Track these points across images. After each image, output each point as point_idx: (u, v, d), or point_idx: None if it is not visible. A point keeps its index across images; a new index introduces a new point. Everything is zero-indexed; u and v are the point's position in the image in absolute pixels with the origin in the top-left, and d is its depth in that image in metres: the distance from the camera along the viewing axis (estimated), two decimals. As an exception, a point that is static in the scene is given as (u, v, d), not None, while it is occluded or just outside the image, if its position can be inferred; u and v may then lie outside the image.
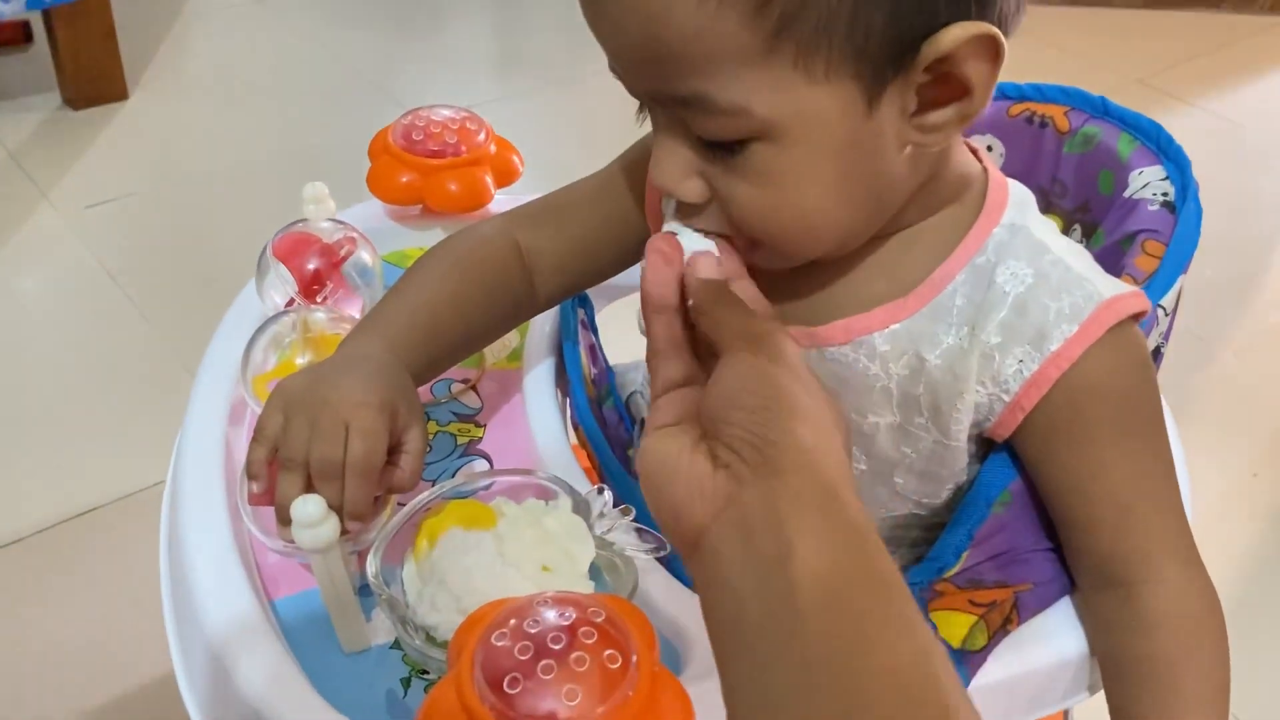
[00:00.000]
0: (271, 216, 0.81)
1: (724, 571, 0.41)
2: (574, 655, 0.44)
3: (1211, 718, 0.55)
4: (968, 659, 0.56)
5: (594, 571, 0.54)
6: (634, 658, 0.44)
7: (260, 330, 0.67)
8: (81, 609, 1.19)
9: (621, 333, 0.72)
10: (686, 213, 0.53)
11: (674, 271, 0.51)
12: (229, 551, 0.58)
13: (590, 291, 0.75)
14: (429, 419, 0.66)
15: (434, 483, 0.62)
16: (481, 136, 0.83)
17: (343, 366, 0.57)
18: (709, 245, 0.52)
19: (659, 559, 0.57)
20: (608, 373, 0.79)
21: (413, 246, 0.83)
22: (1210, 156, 2.01)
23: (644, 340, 0.52)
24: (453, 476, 0.65)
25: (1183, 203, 0.65)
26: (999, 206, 0.57)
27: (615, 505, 0.56)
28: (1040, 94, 0.73)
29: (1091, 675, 0.60)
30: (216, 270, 1.34)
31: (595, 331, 0.78)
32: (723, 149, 0.50)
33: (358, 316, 0.69)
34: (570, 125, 2.09)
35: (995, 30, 0.47)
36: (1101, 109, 0.71)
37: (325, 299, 0.71)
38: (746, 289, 0.53)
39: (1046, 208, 0.70)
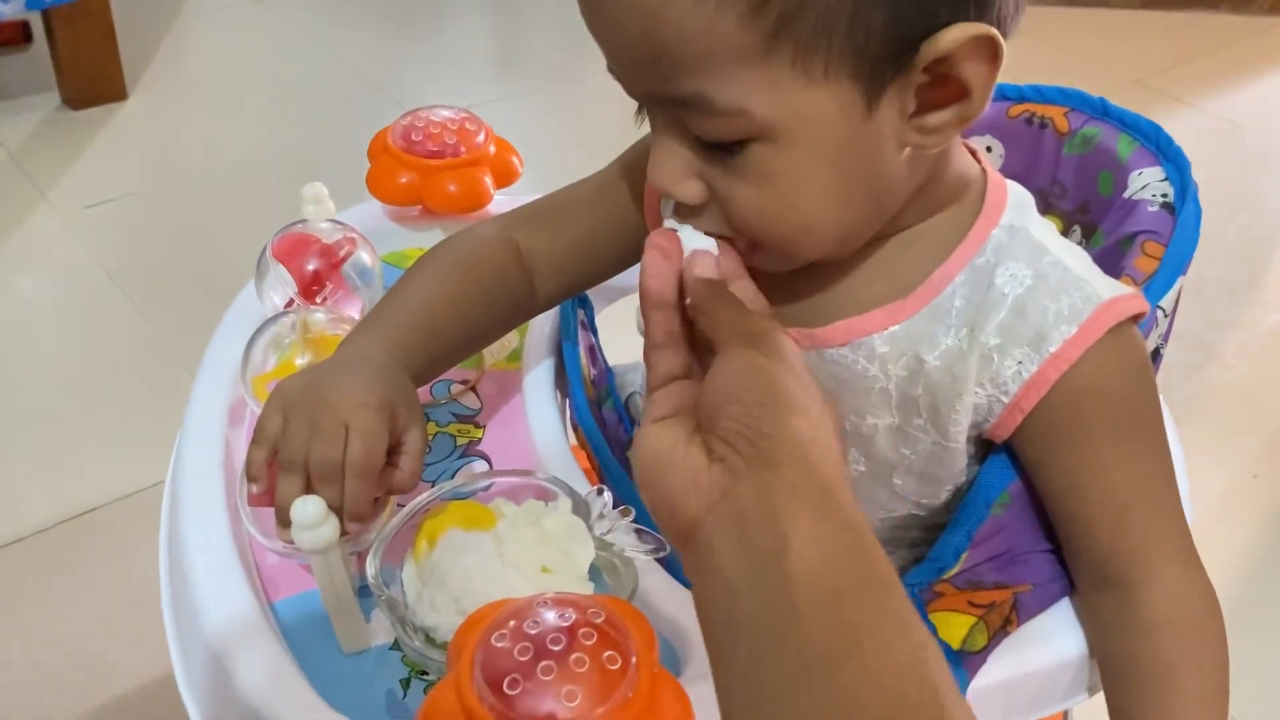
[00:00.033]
0: (271, 217, 0.81)
1: (718, 564, 0.41)
2: (574, 656, 0.44)
3: (1211, 718, 0.55)
4: (967, 660, 0.55)
5: (593, 572, 0.54)
6: (633, 659, 0.44)
7: (260, 331, 0.67)
8: (81, 609, 1.19)
9: (621, 333, 0.72)
10: (685, 214, 0.53)
11: (673, 267, 0.51)
12: (228, 552, 0.58)
13: (590, 292, 0.75)
14: (428, 420, 0.66)
15: (433, 484, 0.62)
16: (481, 137, 0.83)
17: (342, 367, 0.57)
18: (708, 241, 0.52)
19: (659, 560, 0.57)
20: (607, 373, 0.79)
21: (412, 247, 0.83)
22: (1210, 157, 2.01)
23: (643, 340, 0.52)
24: (452, 477, 0.65)
25: (1182, 204, 0.65)
26: (998, 208, 0.57)
27: (615, 506, 0.56)
28: (1040, 95, 0.73)
29: (1091, 676, 0.60)
30: (216, 270, 1.35)
31: (595, 332, 0.78)
32: (721, 150, 0.50)
33: (357, 317, 0.69)
34: (570, 126, 2.08)
35: (994, 31, 0.47)
36: (1101, 110, 0.71)
37: (325, 300, 0.71)
38: (745, 288, 0.53)
39: (1046, 209, 0.70)
